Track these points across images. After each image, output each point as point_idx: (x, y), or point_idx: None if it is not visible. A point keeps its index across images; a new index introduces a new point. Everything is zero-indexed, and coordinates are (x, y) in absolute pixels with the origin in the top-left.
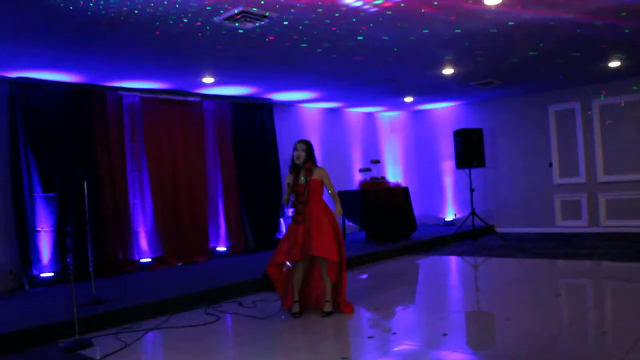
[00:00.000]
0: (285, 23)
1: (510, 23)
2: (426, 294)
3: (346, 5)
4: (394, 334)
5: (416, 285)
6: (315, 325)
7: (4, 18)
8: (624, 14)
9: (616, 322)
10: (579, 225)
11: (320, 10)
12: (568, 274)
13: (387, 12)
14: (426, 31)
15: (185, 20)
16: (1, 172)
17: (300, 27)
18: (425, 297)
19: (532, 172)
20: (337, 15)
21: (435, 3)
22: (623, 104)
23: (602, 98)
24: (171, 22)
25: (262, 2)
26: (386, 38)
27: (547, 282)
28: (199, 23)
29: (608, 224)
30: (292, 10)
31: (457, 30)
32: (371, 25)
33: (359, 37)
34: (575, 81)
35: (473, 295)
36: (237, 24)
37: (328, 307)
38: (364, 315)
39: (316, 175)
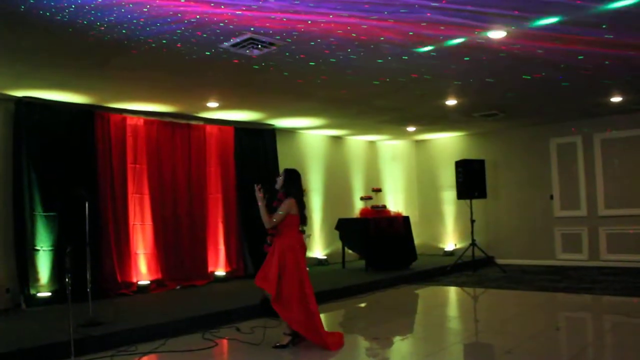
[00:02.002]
0: (291, 50)
1: (514, 56)
2: (425, 324)
3: (350, 35)
4: None
5: (415, 316)
6: (312, 353)
7: (13, 40)
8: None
9: (617, 357)
10: (580, 258)
11: (324, 39)
12: (568, 308)
13: (392, 42)
14: (431, 62)
15: (192, 46)
16: (3, 190)
17: (306, 55)
18: (424, 327)
19: (533, 204)
20: (341, 44)
21: (442, 37)
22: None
23: (605, 132)
24: (178, 46)
25: (270, 30)
26: (390, 67)
27: (547, 316)
28: (205, 48)
29: (608, 258)
30: (298, 38)
31: (461, 62)
32: (374, 54)
33: (362, 66)
34: (577, 115)
35: (472, 327)
36: (244, 51)
37: (284, 340)
38: (361, 344)
39: (283, 207)
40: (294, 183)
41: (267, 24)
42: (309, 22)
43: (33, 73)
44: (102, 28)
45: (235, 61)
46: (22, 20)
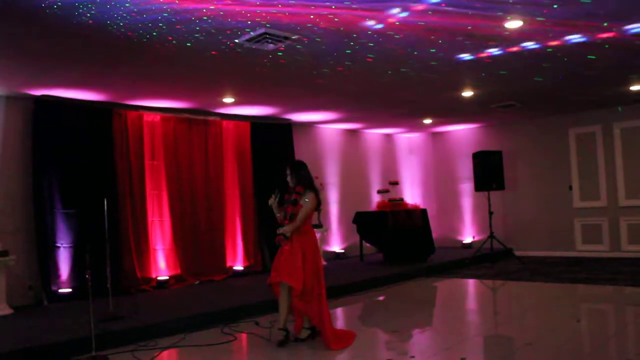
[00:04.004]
0: (306, 44)
1: (531, 46)
2: (444, 317)
3: (366, 28)
4: (412, 357)
5: (434, 308)
6: (326, 351)
7: (31, 39)
8: None
9: None
10: (600, 249)
11: (340, 32)
12: (589, 299)
13: (407, 35)
14: (447, 53)
15: (207, 41)
16: (24, 188)
17: (321, 49)
18: (443, 320)
19: (552, 195)
20: (356, 37)
21: (442, 25)
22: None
23: (620, 109)
24: (194, 43)
25: (284, 24)
26: (406, 60)
27: (567, 307)
28: (221, 44)
29: (630, 249)
30: (313, 32)
31: (477, 53)
32: (391, 47)
33: (378, 59)
34: (596, 104)
35: (492, 320)
36: (259, 45)
37: (302, 334)
38: (381, 337)
39: (304, 200)
40: (304, 174)
41: (281, 19)
42: (322, 15)
43: (51, 72)
44: (119, 26)
45: (251, 56)
46: (39, 20)
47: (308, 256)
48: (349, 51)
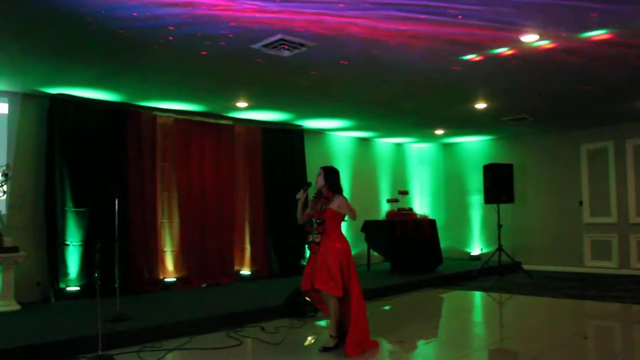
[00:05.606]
0: (321, 51)
1: (546, 60)
2: (449, 329)
3: (380, 38)
4: None
5: (440, 320)
6: (338, 357)
7: (49, 38)
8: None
9: None
10: (609, 266)
11: (355, 41)
12: (596, 316)
13: (422, 45)
14: (463, 59)
15: (223, 46)
16: (36, 185)
17: (335, 57)
18: (449, 332)
19: (561, 210)
20: (371, 46)
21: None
22: None
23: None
24: (209, 47)
25: (301, 31)
26: (420, 70)
27: (574, 324)
28: (237, 49)
29: (639, 267)
30: (328, 40)
31: (491, 65)
32: (405, 56)
33: (392, 69)
34: (608, 120)
35: (497, 333)
36: (275, 52)
37: (330, 343)
38: (385, 347)
39: (333, 204)
40: (335, 179)
41: (298, 25)
42: (339, 23)
43: (67, 71)
44: (134, 28)
45: (266, 62)
46: (57, 19)
47: (352, 260)
48: (363, 61)
